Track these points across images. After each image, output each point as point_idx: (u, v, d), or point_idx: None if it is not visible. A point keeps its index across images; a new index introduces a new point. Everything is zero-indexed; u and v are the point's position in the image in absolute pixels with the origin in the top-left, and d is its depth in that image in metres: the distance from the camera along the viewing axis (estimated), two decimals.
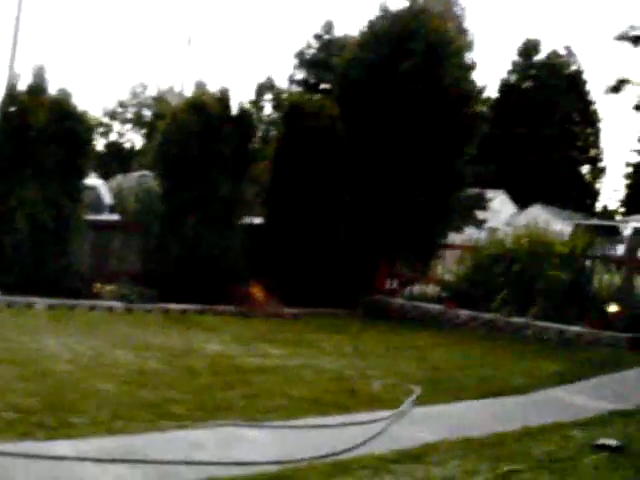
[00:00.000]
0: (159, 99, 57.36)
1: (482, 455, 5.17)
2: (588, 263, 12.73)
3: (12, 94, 12.11)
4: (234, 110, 13.50)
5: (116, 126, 60.30)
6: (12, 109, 11.92)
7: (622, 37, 16.09)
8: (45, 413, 5.36)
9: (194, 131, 12.61)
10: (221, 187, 12.77)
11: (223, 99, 13.26)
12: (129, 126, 61.31)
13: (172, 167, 12.75)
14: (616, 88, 17.37)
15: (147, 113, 59.33)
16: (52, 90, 12.42)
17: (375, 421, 5.92)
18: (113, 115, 60.04)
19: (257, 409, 6.06)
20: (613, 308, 11.50)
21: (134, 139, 60.65)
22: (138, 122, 60.22)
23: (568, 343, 11.19)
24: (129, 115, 61.22)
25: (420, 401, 6.79)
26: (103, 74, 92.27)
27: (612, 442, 5.50)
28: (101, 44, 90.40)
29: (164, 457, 4.72)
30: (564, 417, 6.46)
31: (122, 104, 60.82)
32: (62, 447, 4.72)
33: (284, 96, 46.80)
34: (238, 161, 13.06)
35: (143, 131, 58.61)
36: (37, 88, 12.23)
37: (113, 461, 4.60)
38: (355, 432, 5.57)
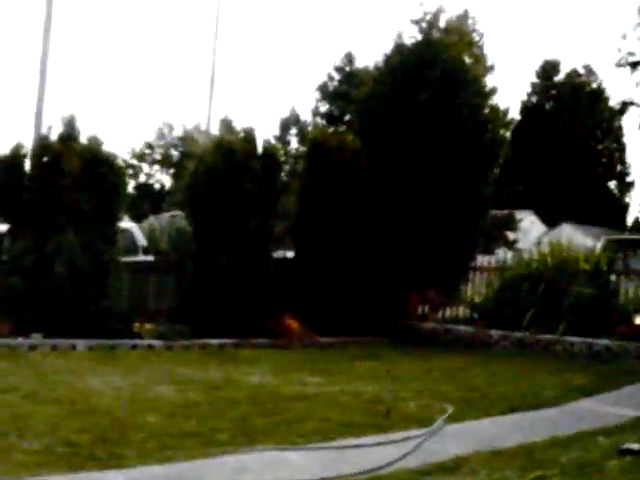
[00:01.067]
0: (186, 138, 58.21)
1: (511, 464, 5.44)
2: (613, 277, 13.01)
3: (45, 144, 12.62)
4: (259, 147, 13.91)
5: (145, 167, 61.13)
6: (45, 158, 12.41)
7: (621, 64, 16.55)
8: (95, 446, 5.67)
9: (221, 171, 13.01)
10: (250, 223, 13.13)
11: (248, 138, 13.68)
12: (157, 167, 62.11)
13: (202, 206, 13.14)
14: (621, 110, 17.88)
15: (175, 153, 60.14)
16: (83, 138, 12.90)
17: (409, 439, 6.20)
18: (141, 156, 60.93)
19: (297, 433, 6.35)
20: (639, 320, 11.74)
21: (163, 180, 61.45)
22: (166, 162, 61.04)
23: (597, 356, 11.43)
24: (157, 156, 62.04)
25: (452, 419, 7.05)
26: (129, 116, 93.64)
27: (635, 446, 5.75)
28: (124, 85, 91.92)
29: None
30: (590, 426, 6.71)
31: (149, 145, 61.71)
32: (114, 476, 5.03)
33: (309, 129, 47.35)
34: (266, 197, 13.43)
35: (171, 171, 59.38)
36: (68, 136, 12.72)
37: None
38: (391, 450, 5.85)
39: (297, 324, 13.10)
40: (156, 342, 11.85)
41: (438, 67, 14.58)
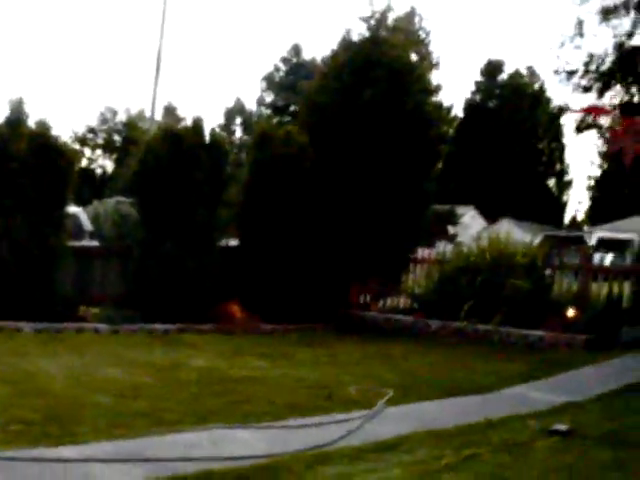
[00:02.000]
0: (130, 124, 57.81)
1: (448, 443, 5.80)
2: (548, 271, 13.59)
3: None
4: (207, 137, 14.05)
5: (87, 152, 60.44)
6: None
7: (558, 71, 17.54)
8: (48, 424, 5.86)
9: (169, 160, 13.12)
10: (197, 212, 13.29)
11: (196, 127, 13.82)
12: (99, 152, 61.53)
13: (150, 194, 13.24)
14: (557, 115, 19.27)
15: (118, 138, 59.66)
16: (31, 122, 12.91)
17: (352, 420, 6.51)
18: (83, 141, 60.22)
19: (244, 414, 6.62)
20: (571, 312, 12.30)
21: (105, 165, 60.88)
22: (109, 147, 60.52)
23: (531, 346, 11.95)
24: (99, 141, 61.44)
25: (393, 402, 7.39)
26: (71, 99, 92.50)
27: (563, 427, 6.17)
28: (67, 68, 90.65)
29: (164, 456, 5.27)
30: (522, 410, 7.12)
31: (92, 130, 61.05)
32: (69, 452, 5.22)
33: (254, 120, 47.39)
34: (212, 186, 13.59)
35: (114, 156, 58.90)
36: (16, 121, 12.71)
37: (117, 461, 5.13)
38: (334, 430, 6.15)
39: (241, 311, 13.34)
40: (102, 326, 11.94)
41: (385, 65, 14.90)
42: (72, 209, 14.85)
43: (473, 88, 60.75)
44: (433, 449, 5.62)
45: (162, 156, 13.18)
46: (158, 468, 5.05)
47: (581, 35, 17.15)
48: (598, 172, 57.78)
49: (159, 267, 12.87)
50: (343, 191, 14.84)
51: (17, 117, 12.68)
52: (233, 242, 15.15)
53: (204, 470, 4.99)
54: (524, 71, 61.30)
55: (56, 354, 9.35)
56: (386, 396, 7.55)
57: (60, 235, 12.54)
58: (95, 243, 15.28)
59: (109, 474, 4.90)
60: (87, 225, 16.14)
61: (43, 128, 12.83)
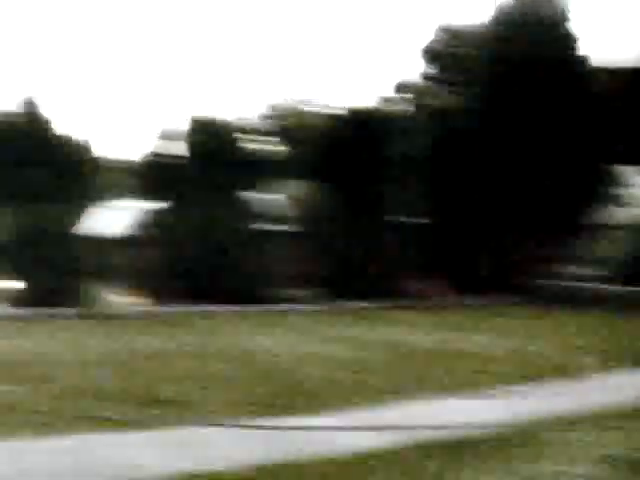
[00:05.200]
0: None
1: None
2: None
3: None
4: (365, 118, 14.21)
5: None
6: None
7: None
8: (280, 397, 6.19)
9: (355, 141, 13.45)
10: (382, 191, 13.53)
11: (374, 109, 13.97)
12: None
13: (340, 178, 13.57)
14: None
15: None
16: None
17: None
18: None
19: (476, 383, 6.89)
20: None
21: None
22: None
23: None
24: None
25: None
26: None
27: None
28: None
29: (398, 424, 5.47)
30: None
31: None
32: (314, 421, 5.47)
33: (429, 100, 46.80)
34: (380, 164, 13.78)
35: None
36: None
37: (360, 429, 5.36)
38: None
39: (435, 285, 13.45)
40: (302, 306, 12.46)
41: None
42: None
43: None
44: None
45: (346, 139, 13.47)
46: (409, 435, 5.16)
47: None
48: None
49: (357, 247, 13.16)
50: (519, 165, 14.67)
51: None
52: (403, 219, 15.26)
53: (453, 437, 5.17)
54: None
55: (272, 334, 9.71)
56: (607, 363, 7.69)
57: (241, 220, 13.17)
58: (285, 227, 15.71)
59: (361, 439, 5.13)
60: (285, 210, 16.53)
61: None
